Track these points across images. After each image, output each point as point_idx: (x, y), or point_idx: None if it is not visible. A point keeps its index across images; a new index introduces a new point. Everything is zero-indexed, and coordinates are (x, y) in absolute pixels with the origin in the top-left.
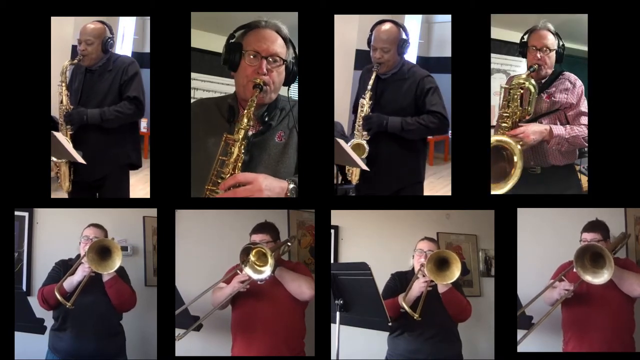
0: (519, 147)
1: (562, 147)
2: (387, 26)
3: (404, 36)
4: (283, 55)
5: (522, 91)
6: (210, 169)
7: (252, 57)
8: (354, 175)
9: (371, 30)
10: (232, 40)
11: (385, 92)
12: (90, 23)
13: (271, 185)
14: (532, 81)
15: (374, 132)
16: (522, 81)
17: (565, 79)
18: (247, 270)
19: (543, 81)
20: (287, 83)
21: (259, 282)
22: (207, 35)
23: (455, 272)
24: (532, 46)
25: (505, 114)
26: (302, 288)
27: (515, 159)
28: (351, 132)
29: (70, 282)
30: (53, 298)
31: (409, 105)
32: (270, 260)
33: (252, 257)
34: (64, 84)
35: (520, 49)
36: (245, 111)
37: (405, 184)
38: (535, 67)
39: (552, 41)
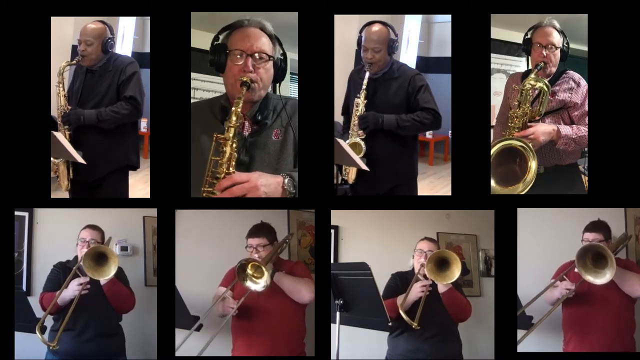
0: (532, 152)
1: (569, 147)
2: (376, 27)
3: (393, 36)
4: (269, 52)
5: (533, 92)
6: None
7: (237, 56)
8: (351, 175)
9: (360, 32)
10: (217, 42)
11: (377, 91)
12: (91, 23)
13: (267, 182)
14: (545, 81)
15: (370, 130)
16: (533, 82)
17: (569, 78)
18: (248, 284)
19: (547, 80)
20: (277, 80)
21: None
22: (207, 35)
23: (456, 272)
24: (537, 43)
25: (515, 115)
26: (301, 292)
27: (530, 163)
28: (344, 132)
29: (62, 298)
30: (53, 307)
31: (401, 103)
32: (266, 273)
33: (249, 271)
34: (61, 85)
35: (524, 47)
36: (233, 109)
37: (400, 181)
38: (542, 65)
39: (557, 39)
